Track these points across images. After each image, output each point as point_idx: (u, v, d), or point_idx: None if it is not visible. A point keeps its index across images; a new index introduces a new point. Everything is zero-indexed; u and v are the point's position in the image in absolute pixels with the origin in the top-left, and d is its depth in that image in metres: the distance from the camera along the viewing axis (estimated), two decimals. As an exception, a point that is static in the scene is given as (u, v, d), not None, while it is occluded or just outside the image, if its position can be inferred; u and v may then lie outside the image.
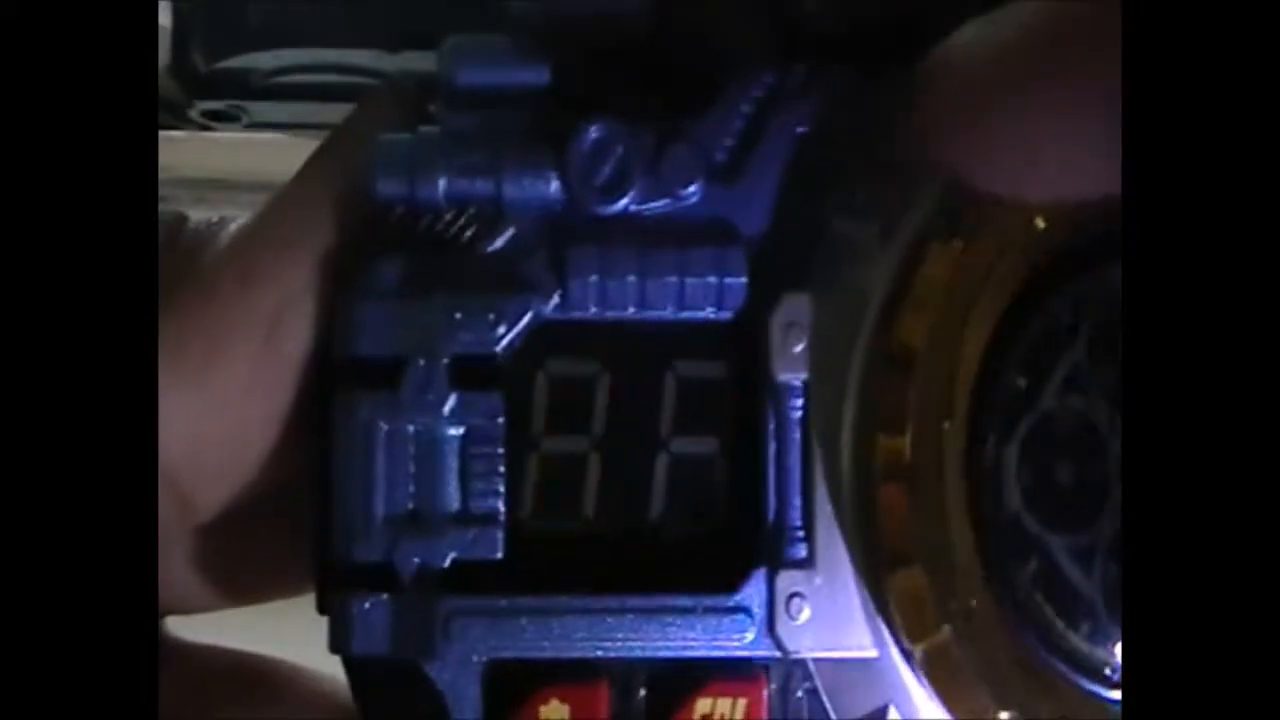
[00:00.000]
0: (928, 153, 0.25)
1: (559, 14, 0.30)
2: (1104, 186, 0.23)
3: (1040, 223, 0.27)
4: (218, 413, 0.30)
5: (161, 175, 0.28)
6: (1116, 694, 0.27)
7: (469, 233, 0.29)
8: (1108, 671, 0.27)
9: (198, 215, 0.33)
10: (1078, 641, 0.27)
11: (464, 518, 0.29)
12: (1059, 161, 0.24)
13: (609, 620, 0.29)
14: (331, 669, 0.31)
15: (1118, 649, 0.27)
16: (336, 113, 0.32)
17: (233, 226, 0.31)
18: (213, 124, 0.79)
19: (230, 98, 0.81)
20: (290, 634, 0.33)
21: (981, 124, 0.24)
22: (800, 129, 0.29)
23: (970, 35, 0.25)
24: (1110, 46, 0.23)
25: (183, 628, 0.34)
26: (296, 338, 0.30)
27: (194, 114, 0.81)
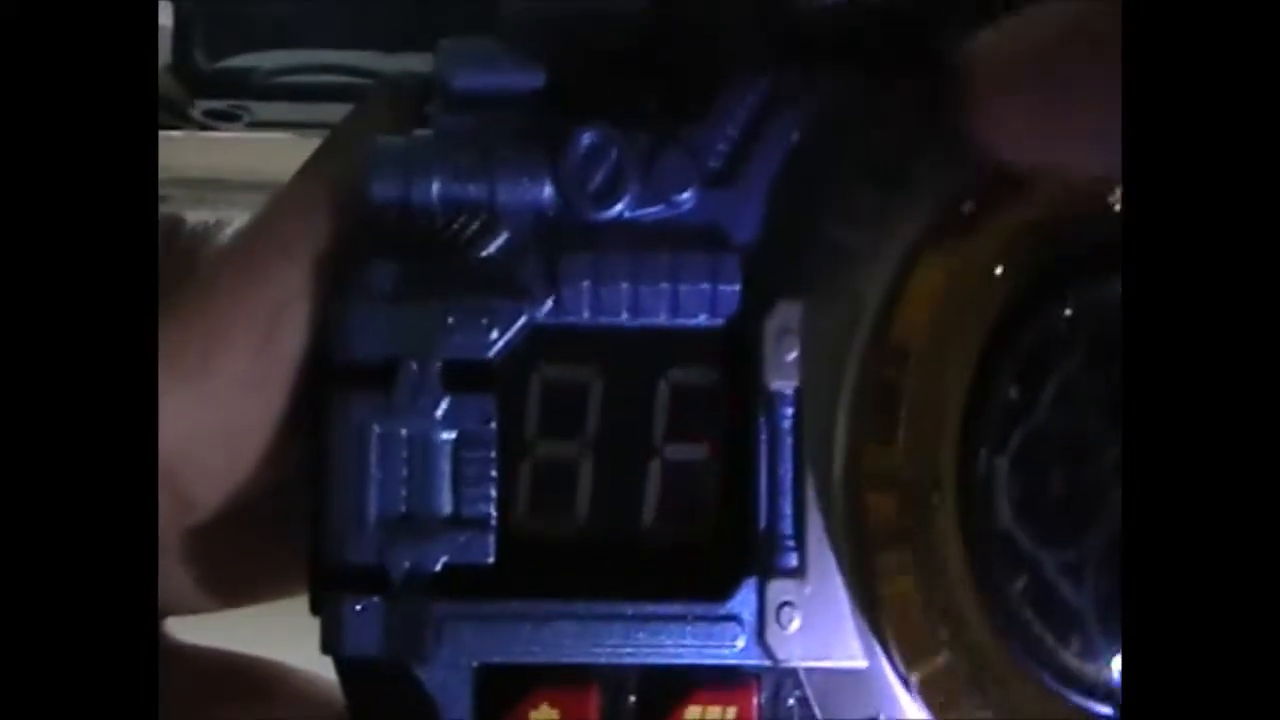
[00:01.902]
0: (968, 135, 0.25)
1: (555, 17, 0.30)
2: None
3: (1033, 235, 0.27)
4: (216, 412, 0.30)
5: (161, 175, 0.28)
6: (1107, 709, 0.27)
7: (463, 236, 0.29)
8: (1099, 687, 0.27)
9: (196, 215, 0.33)
10: (1068, 657, 0.27)
11: (456, 522, 0.29)
12: (1092, 134, 0.24)
13: (600, 626, 0.29)
14: (325, 670, 0.31)
15: (1109, 664, 0.27)
16: (338, 112, 0.32)
17: (230, 228, 0.31)
18: (214, 123, 0.79)
19: (232, 97, 0.81)
20: (285, 635, 0.33)
21: (1026, 96, 0.25)
22: (795, 135, 0.29)
23: (1001, 29, 0.25)
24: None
25: (180, 629, 0.34)
26: (294, 339, 0.30)
27: (195, 113, 0.81)
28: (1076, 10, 0.24)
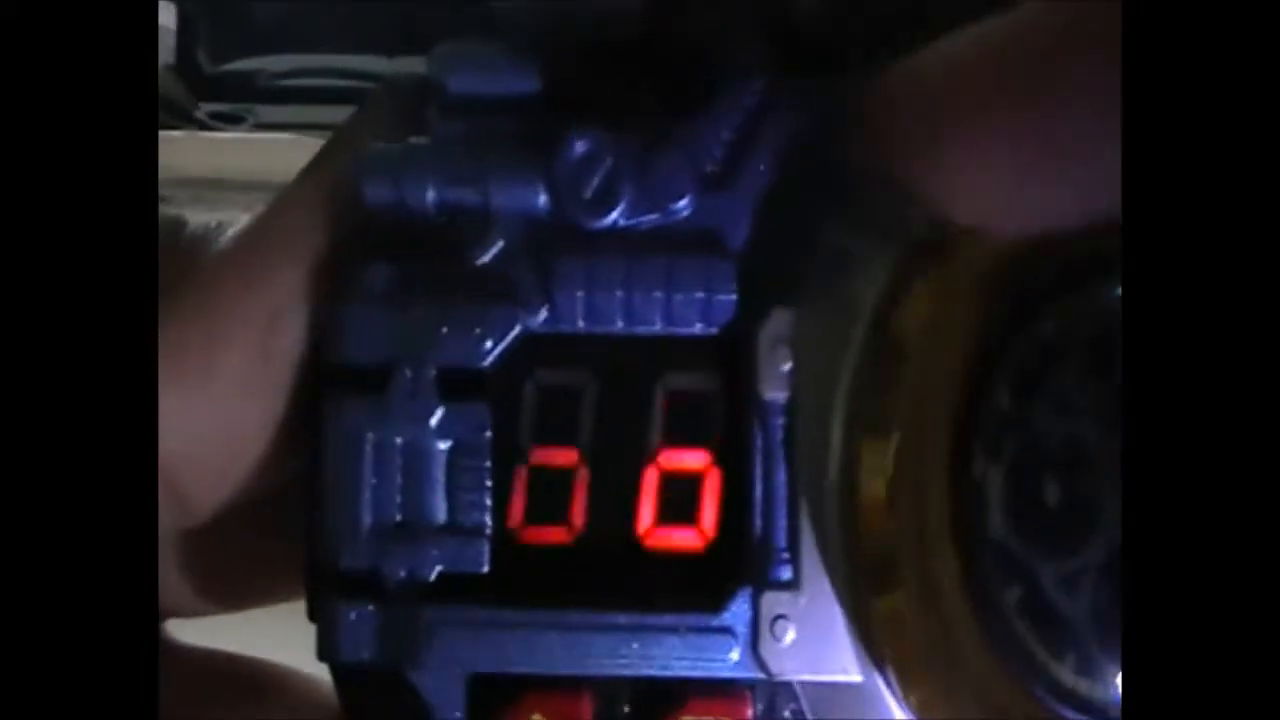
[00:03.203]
0: (888, 168, 0.25)
1: (551, 21, 0.30)
2: (1072, 218, 0.23)
3: (1030, 242, 0.27)
4: (215, 415, 0.30)
5: (162, 175, 0.28)
6: None
7: (458, 242, 0.29)
8: (1094, 703, 0.27)
9: (196, 215, 0.33)
10: (1063, 670, 0.27)
11: (450, 529, 0.29)
12: (1026, 190, 0.24)
13: (593, 636, 0.29)
14: (324, 673, 0.31)
15: (1103, 678, 0.27)
16: (341, 115, 0.32)
17: (231, 230, 0.31)
18: (218, 125, 0.80)
19: (235, 100, 0.81)
20: (286, 639, 0.33)
21: (944, 146, 0.24)
22: (790, 141, 0.29)
23: (935, 52, 0.25)
24: (1083, 68, 0.23)
25: (179, 631, 0.34)
26: (292, 342, 0.30)
27: (199, 115, 0.81)
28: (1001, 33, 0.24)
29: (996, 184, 0.24)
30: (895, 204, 0.27)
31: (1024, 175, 0.23)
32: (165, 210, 0.31)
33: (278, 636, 0.34)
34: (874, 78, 0.26)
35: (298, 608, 0.31)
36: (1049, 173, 0.23)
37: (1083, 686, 0.27)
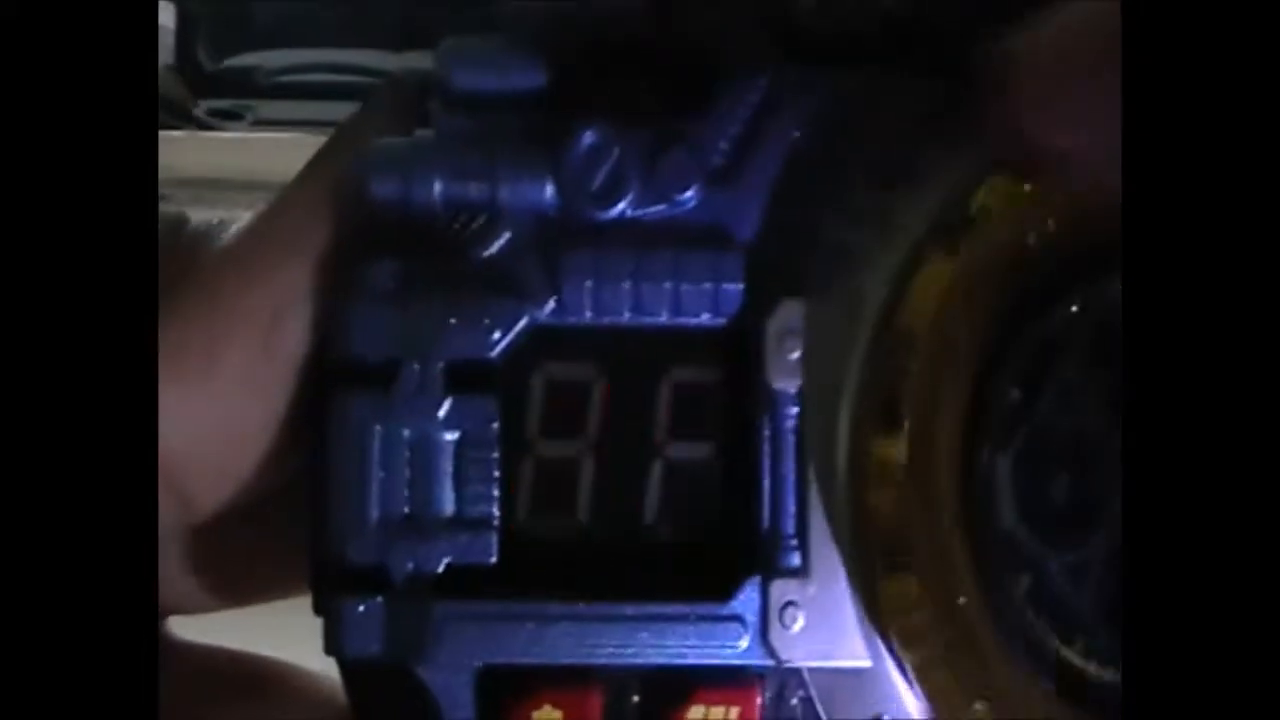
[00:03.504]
0: (1026, 130, 0.25)
1: (556, 16, 0.30)
2: None
3: (1035, 235, 0.27)
4: (217, 412, 0.30)
5: (161, 175, 0.28)
6: (1109, 710, 0.27)
7: (465, 236, 0.29)
8: (1102, 689, 0.27)
9: (197, 215, 0.33)
10: (1071, 658, 0.27)
11: (458, 522, 0.29)
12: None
13: (602, 627, 0.29)
14: (329, 669, 0.31)
15: (1111, 666, 0.27)
16: (341, 111, 0.32)
17: (233, 228, 0.31)
18: (217, 122, 0.79)
19: (235, 96, 0.81)
20: (289, 634, 0.33)
21: (1086, 98, 0.24)
22: (797, 133, 0.29)
23: (1058, 19, 0.25)
24: None
25: (182, 628, 0.34)
26: (295, 339, 0.30)
27: (199, 112, 0.81)
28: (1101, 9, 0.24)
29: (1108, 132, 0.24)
30: (903, 196, 0.27)
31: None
32: (166, 208, 0.31)
33: (282, 633, 0.35)
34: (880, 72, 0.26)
35: (302, 604, 0.31)
36: None
37: (1090, 672, 0.27)
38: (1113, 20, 0.24)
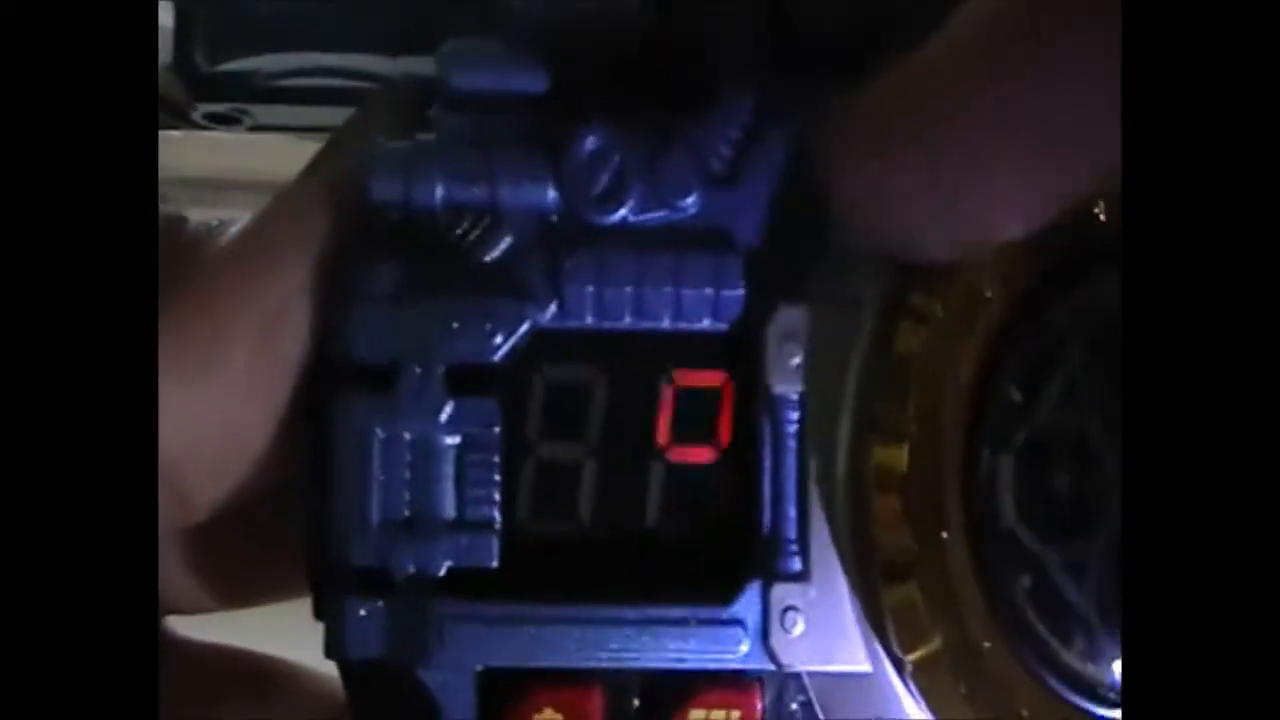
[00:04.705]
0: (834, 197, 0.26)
1: (557, 20, 0.30)
2: (1022, 225, 0.23)
3: (1036, 236, 0.27)
4: (217, 412, 0.30)
5: (161, 175, 0.28)
6: (1111, 712, 0.27)
7: (466, 240, 0.29)
8: (1102, 689, 0.27)
9: (196, 215, 0.33)
10: (1072, 658, 0.27)
11: (459, 525, 0.29)
12: (967, 203, 0.24)
13: (603, 630, 0.29)
14: (330, 669, 0.31)
15: (1112, 666, 0.27)
16: (340, 116, 0.32)
17: (233, 228, 0.31)
18: (215, 126, 0.79)
19: (233, 100, 0.81)
20: (291, 636, 0.33)
21: (882, 161, 0.25)
22: (798, 138, 0.29)
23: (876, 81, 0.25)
24: (1027, 69, 0.23)
25: (184, 627, 0.34)
26: (295, 340, 0.30)
27: (196, 116, 0.81)
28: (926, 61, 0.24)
29: (998, 187, 0.24)
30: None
31: (1028, 172, 0.24)
32: (165, 208, 0.31)
33: (284, 634, 0.34)
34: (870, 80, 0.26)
35: (303, 605, 0.31)
36: (1051, 168, 0.23)
37: (1091, 672, 0.27)
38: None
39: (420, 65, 0.31)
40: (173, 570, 0.32)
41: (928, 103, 0.24)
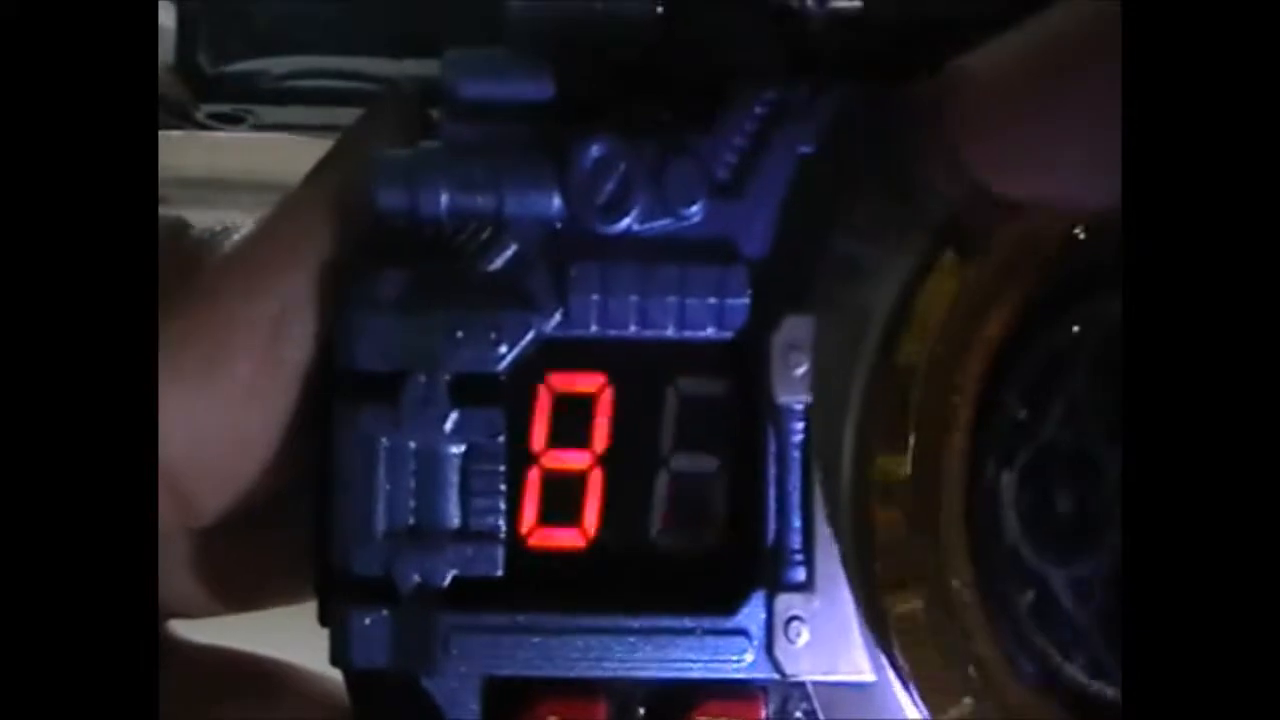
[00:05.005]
0: (958, 157, 0.25)
1: (563, 27, 0.30)
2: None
3: (1042, 251, 0.27)
4: (220, 417, 0.30)
5: (162, 175, 0.28)
6: None
7: (471, 248, 0.29)
8: (1104, 703, 0.27)
9: (197, 216, 0.33)
10: (1074, 672, 0.27)
11: (464, 534, 0.29)
12: (1082, 166, 0.24)
13: (608, 640, 0.29)
14: (332, 670, 0.30)
15: (1114, 681, 0.27)
16: (343, 116, 0.32)
17: (235, 233, 0.31)
18: (218, 126, 0.79)
19: (236, 101, 0.81)
20: (296, 641, 0.33)
21: (1011, 126, 0.24)
22: (804, 148, 0.29)
23: (997, 45, 0.25)
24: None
25: (189, 632, 0.34)
26: (298, 346, 0.30)
27: (200, 116, 0.81)
28: (1066, 27, 0.24)
29: (1066, 164, 0.24)
30: (909, 211, 0.27)
31: (1092, 156, 0.24)
32: (169, 212, 0.31)
33: (289, 638, 0.34)
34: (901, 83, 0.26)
35: (308, 610, 0.31)
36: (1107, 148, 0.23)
37: (1093, 688, 0.27)
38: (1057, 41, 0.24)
39: (424, 68, 0.31)
40: (177, 574, 0.32)
41: (1062, 64, 0.24)
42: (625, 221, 0.29)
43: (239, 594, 0.34)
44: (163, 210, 0.30)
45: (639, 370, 0.30)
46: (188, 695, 0.32)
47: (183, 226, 0.32)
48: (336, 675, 0.30)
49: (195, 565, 0.32)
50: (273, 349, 0.30)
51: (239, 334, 0.30)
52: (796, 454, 0.29)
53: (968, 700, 0.27)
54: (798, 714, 0.29)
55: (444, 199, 0.29)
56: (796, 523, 0.29)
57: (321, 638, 0.30)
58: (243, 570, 0.33)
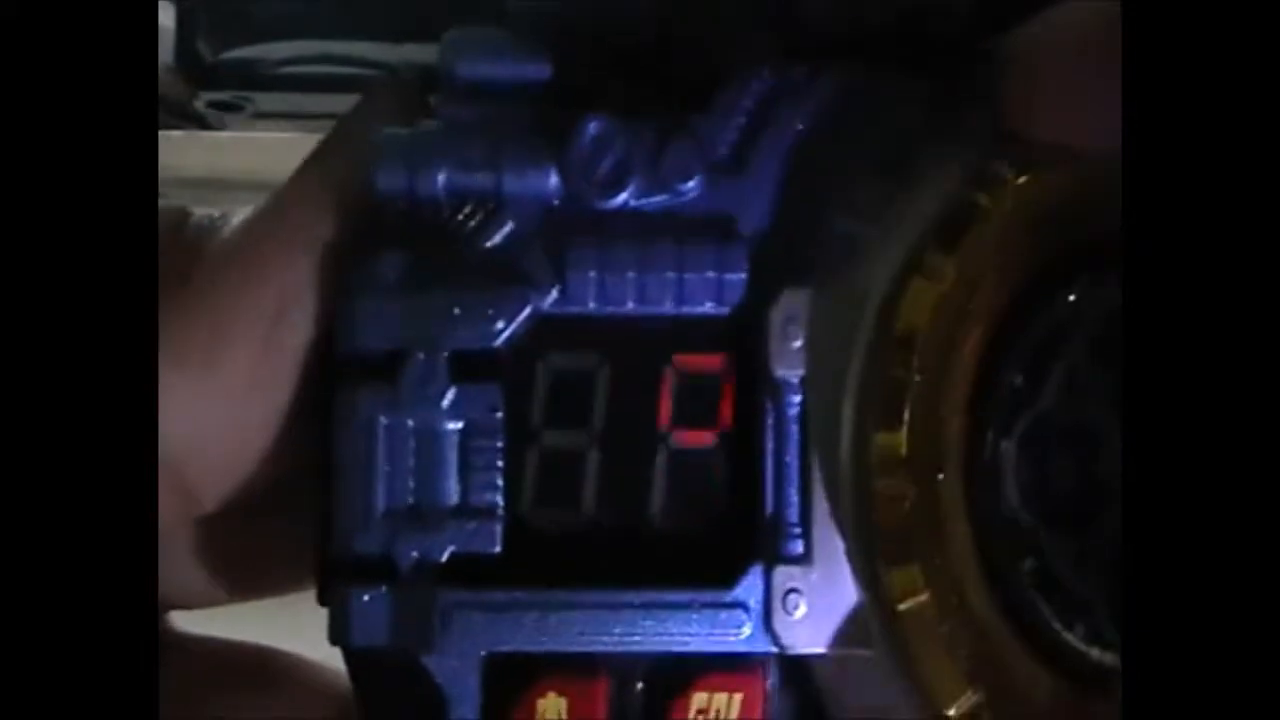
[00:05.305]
0: (1031, 118, 0.26)
1: (561, 8, 0.30)
2: None
3: (1041, 223, 0.27)
4: (221, 405, 0.30)
5: (162, 174, 0.28)
6: (1112, 695, 0.27)
7: (469, 227, 0.29)
8: (1103, 672, 0.27)
9: (197, 214, 0.33)
10: (1073, 641, 0.27)
11: (463, 511, 0.29)
12: None
13: (607, 615, 0.29)
14: (333, 661, 0.31)
15: (1113, 650, 0.27)
16: (341, 103, 0.32)
17: (235, 221, 0.32)
18: (217, 114, 0.79)
19: (235, 89, 0.81)
20: (294, 626, 0.33)
21: (1088, 85, 0.25)
22: (801, 124, 0.29)
23: (1057, 15, 0.25)
24: None
25: (188, 621, 0.34)
26: (299, 331, 0.30)
27: (199, 105, 0.81)
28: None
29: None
30: (907, 187, 0.27)
31: None
32: (168, 203, 0.31)
33: (286, 624, 0.35)
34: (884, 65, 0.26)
35: (307, 596, 0.31)
36: None
37: (1093, 656, 0.27)
38: (1113, 18, 0.24)
39: (423, 53, 0.31)
40: (178, 564, 0.32)
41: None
42: (622, 198, 0.29)
43: (239, 583, 0.34)
44: (163, 203, 0.30)
45: (637, 346, 0.30)
46: (188, 687, 0.32)
47: (183, 216, 0.32)
48: (338, 665, 0.30)
49: (195, 554, 0.32)
50: (273, 336, 0.30)
51: (239, 322, 0.30)
52: (794, 427, 0.29)
53: (964, 670, 0.28)
54: (797, 686, 0.29)
55: (441, 178, 0.29)
56: (794, 495, 0.29)
57: (320, 630, 0.30)
58: (243, 559, 0.33)
